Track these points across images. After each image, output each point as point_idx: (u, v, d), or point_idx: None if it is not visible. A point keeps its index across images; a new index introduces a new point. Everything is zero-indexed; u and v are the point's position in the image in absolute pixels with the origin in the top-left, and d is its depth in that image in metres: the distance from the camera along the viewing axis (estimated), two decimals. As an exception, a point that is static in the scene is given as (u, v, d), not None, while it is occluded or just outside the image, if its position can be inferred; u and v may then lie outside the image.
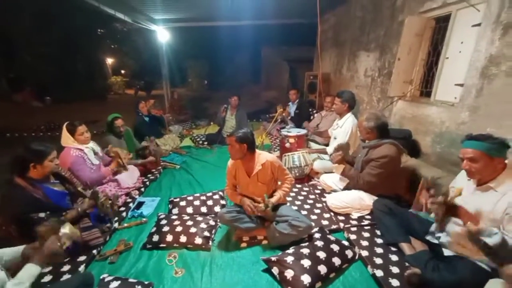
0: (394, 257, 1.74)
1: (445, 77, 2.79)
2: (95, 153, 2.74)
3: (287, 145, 3.04)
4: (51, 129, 5.64)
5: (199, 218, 2.23)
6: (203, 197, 2.62)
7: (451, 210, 1.39)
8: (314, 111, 4.98)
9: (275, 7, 5.33)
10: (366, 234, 2.02)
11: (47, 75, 8.87)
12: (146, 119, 4.31)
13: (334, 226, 2.17)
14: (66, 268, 1.79)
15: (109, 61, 11.88)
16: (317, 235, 1.94)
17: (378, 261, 1.72)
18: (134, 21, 5.40)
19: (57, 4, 7.91)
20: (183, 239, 2.01)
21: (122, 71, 12.73)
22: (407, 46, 3.12)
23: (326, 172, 2.89)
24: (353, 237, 1.99)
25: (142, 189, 2.94)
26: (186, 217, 2.26)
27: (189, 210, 2.45)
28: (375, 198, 2.18)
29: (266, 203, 1.91)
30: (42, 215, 1.80)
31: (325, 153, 3.01)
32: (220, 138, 4.66)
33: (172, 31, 6.57)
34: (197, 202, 2.53)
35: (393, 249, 1.82)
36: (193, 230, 2.07)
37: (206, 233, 2.06)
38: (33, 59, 8.68)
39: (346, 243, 1.91)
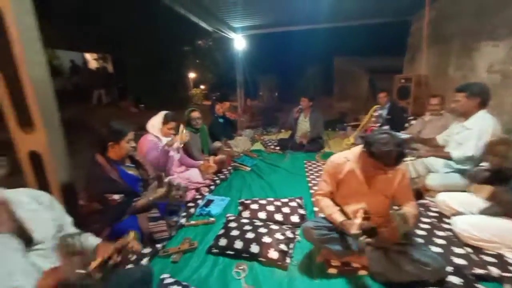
0: None
1: None
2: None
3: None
4: (140, 129, 6.37)
5: (274, 227, 1.82)
6: (278, 203, 2.20)
7: None
8: (410, 117, 4.08)
9: (361, 6, 4.77)
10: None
11: (143, 86, 10.35)
12: (220, 120, 4.30)
13: (480, 271, 1.40)
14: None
15: (192, 75, 13.19)
16: (454, 279, 1.27)
17: None
18: (215, 29, 5.68)
19: (154, 26, 9.28)
20: (254, 248, 1.62)
21: (202, 85, 13.96)
22: None
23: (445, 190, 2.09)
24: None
25: (212, 187, 2.74)
26: (259, 223, 1.88)
27: (262, 215, 2.07)
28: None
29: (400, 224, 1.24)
30: (116, 197, 1.72)
31: (448, 157, 2.19)
32: (291, 143, 4.25)
33: (247, 40, 6.71)
34: (270, 208, 2.13)
35: None
36: (267, 239, 1.66)
37: (283, 246, 1.62)
38: (134, 73, 10.31)
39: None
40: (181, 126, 2.54)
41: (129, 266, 1.53)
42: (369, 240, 1.30)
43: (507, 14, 2.91)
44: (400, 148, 1.23)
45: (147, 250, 1.69)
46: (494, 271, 1.39)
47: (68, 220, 1.07)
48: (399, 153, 1.23)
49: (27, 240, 0.81)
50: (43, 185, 1.62)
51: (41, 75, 1.48)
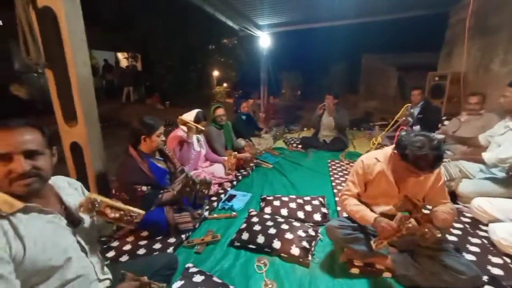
0: None
1: None
2: (198, 141, 2.80)
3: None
4: (166, 125, 6.67)
5: (296, 224, 1.82)
6: (300, 200, 2.20)
7: None
8: (443, 118, 3.83)
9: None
10: None
11: (169, 84, 10.74)
12: (243, 117, 4.35)
13: (520, 282, 1.30)
14: (157, 246, 1.72)
15: (215, 73, 13.43)
16: (489, 289, 1.19)
17: None
18: (241, 27, 5.73)
19: (182, 25, 9.57)
20: (276, 244, 1.63)
21: (224, 83, 14.17)
22: None
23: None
24: None
25: (234, 183, 2.80)
26: (281, 220, 1.89)
27: (284, 212, 2.08)
28: None
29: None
30: (144, 188, 1.82)
31: (480, 161, 2.02)
32: (315, 142, 4.20)
33: (273, 37, 6.67)
34: (293, 205, 2.13)
35: None
36: (289, 236, 1.67)
37: (305, 244, 1.62)
38: (161, 71, 10.73)
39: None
40: (182, 120, 2.56)
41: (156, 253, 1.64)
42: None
43: None
44: (437, 151, 1.14)
45: (172, 240, 1.77)
46: (538, 284, 1.28)
47: None
48: (435, 157, 1.14)
49: (74, 221, 0.90)
50: (81, 174, 1.77)
51: (85, 74, 1.61)
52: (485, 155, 1.97)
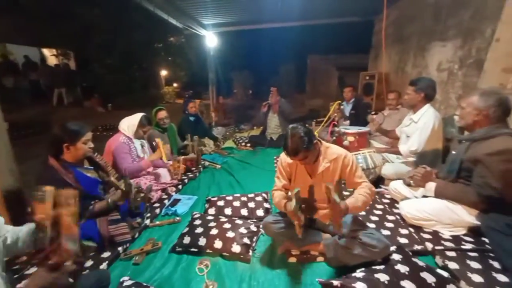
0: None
1: None
2: (142, 147, 2.64)
3: (346, 143, 2.52)
4: (107, 130, 6.08)
5: (239, 222, 1.86)
6: (244, 198, 2.25)
7: None
8: (373, 113, 4.32)
9: (328, 5, 4.94)
10: (475, 265, 1.37)
11: (110, 84, 9.83)
12: (192, 118, 4.21)
13: (418, 247, 1.57)
14: (88, 263, 1.57)
15: (163, 72, 12.78)
16: (396, 256, 1.39)
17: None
18: (185, 26, 5.57)
19: (122, 21, 8.83)
20: (218, 244, 1.65)
21: (174, 83, 13.61)
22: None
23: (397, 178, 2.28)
24: (453, 265, 1.38)
25: (180, 187, 2.72)
26: (224, 219, 1.91)
27: (228, 211, 2.10)
28: (475, 212, 1.55)
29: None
30: (71, 201, 1.65)
31: (398, 153, 2.38)
32: (263, 140, 4.33)
33: (219, 37, 6.64)
34: (237, 203, 2.17)
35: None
36: (230, 234, 1.70)
37: (246, 240, 1.67)
38: (100, 71, 9.74)
39: (444, 273, 1.31)
40: (160, 142, 2.56)
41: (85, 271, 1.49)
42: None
43: (459, 17, 3.13)
44: (290, 140, 1.37)
45: (106, 254, 1.64)
46: (429, 245, 1.56)
47: None
48: (290, 146, 1.38)
49: None
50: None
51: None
52: (401, 149, 2.33)
